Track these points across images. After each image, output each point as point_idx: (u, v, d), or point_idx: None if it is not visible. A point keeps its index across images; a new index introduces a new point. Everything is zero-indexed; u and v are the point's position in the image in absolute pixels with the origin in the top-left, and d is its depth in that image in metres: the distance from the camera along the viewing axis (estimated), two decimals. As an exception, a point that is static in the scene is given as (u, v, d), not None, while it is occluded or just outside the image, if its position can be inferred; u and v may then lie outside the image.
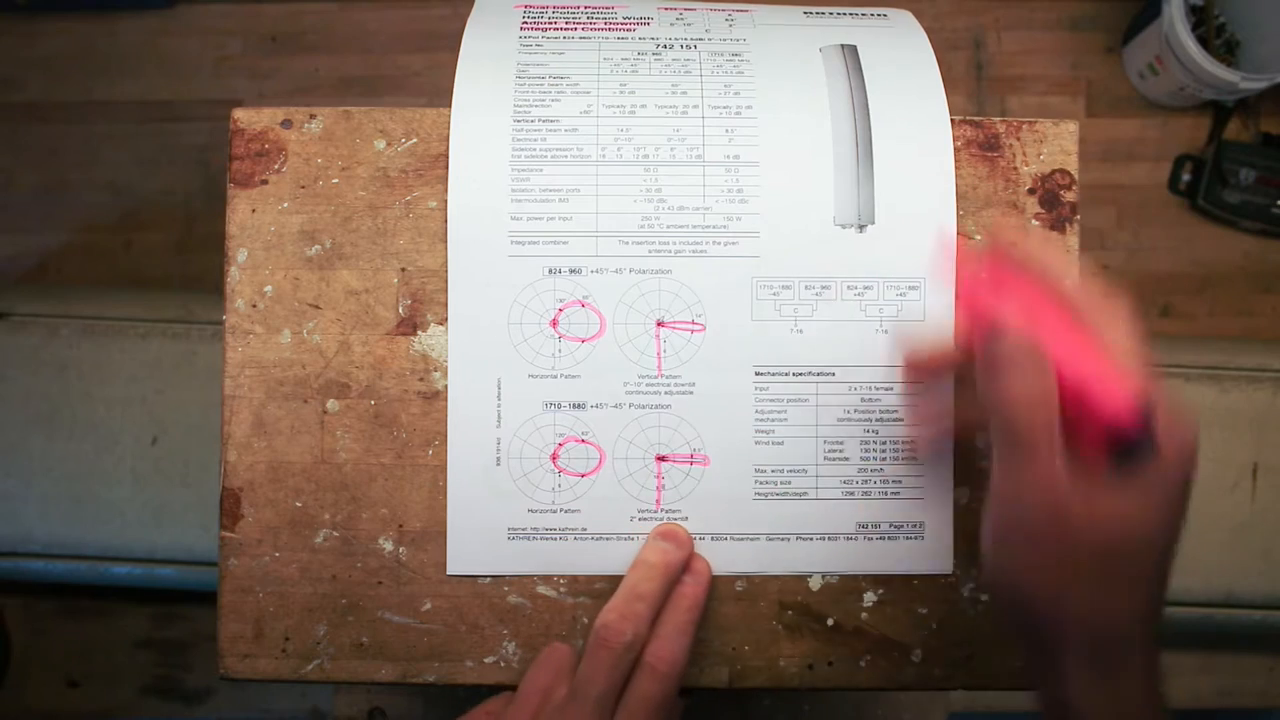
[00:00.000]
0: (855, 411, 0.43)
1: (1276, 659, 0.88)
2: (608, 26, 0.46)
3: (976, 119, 0.44)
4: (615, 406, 0.42)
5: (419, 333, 0.43)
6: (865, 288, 0.42)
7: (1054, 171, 0.44)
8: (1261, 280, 1.17)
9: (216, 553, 0.43)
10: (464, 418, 0.42)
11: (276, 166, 0.43)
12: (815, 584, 0.43)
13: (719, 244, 0.42)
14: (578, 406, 0.42)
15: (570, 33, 0.45)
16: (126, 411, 0.80)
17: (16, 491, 0.79)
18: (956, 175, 0.43)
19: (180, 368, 0.80)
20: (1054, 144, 0.44)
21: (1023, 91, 1.19)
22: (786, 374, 0.42)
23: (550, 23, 0.46)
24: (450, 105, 0.43)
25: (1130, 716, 0.34)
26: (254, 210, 0.43)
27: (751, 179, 0.42)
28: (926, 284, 0.42)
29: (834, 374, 0.42)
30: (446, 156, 0.43)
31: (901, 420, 0.43)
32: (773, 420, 0.42)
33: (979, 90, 1.18)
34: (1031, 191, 0.44)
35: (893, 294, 0.42)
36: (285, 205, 0.43)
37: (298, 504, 0.43)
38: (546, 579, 0.43)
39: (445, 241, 0.43)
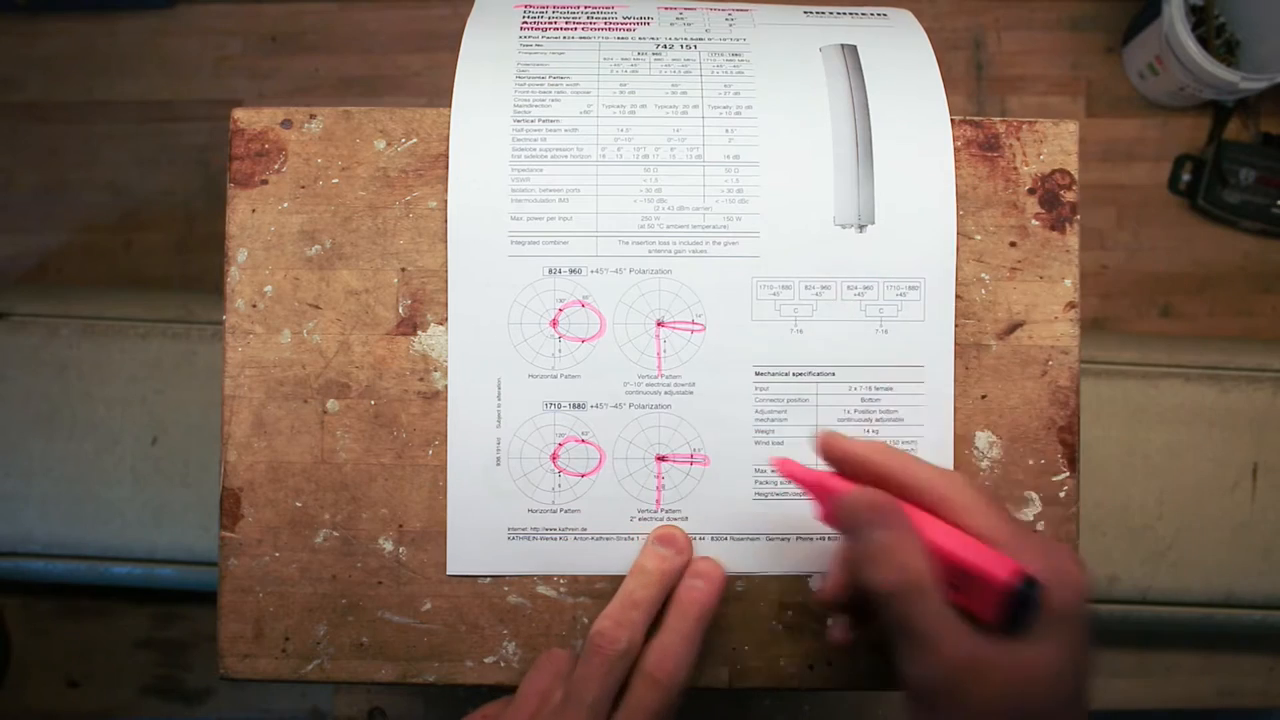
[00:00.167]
0: (855, 411, 0.43)
1: (1276, 659, 0.88)
2: (608, 26, 0.46)
3: (976, 119, 0.44)
4: (615, 406, 0.42)
5: (419, 333, 0.43)
6: (865, 288, 0.42)
7: (1054, 171, 0.44)
8: (1261, 280, 1.17)
9: (216, 553, 0.43)
10: (464, 418, 0.42)
11: (276, 166, 0.43)
12: (815, 584, 0.43)
13: (719, 244, 0.42)
14: (578, 406, 0.42)
15: (570, 33, 0.45)
16: (126, 411, 0.80)
17: (16, 491, 0.79)
18: (956, 175, 0.43)
19: (180, 368, 0.80)
20: (1054, 144, 0.44)
21: (1023, 91, 1.19)
22: (786, 374, 0.42)
23: (550, 23, 0.46)
24: (450, 105, 0.43)
25: None
26: (254, 210, 0.43)
27: (751, 179, 0.42)
28: (927, 284, 0.42)
29: (834, 374, 0.42)
30: (446, 156, 0.43)
31: (902, 420, 0.43)
32: (773, 420, 0.42)
33: (979, 90, 1.19)
34: (1031, 191, 0.44)
35: (893, 294, 0.42)
36: (285, 205, 0.43)
37: (298, 504, 0.43)
38: (546, 579, 0.43)
39: (445, 241, 0.43)
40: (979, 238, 0.43)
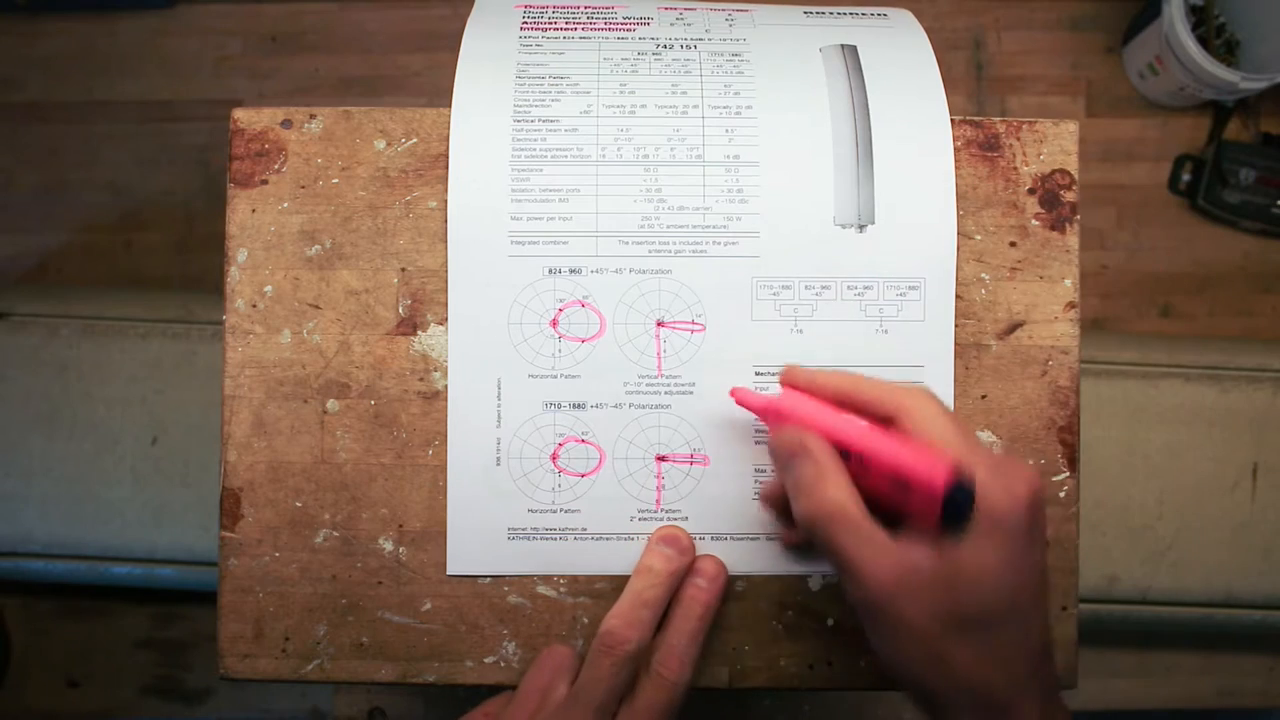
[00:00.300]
0: (855, 411, 0.42)
1: (1276, 659, 0.88)
2: (608, 26, 0.46)
3: (976, 119, 0.44)
4: (615, 406, 0.42)
5: (419, 333, 0.43)
6: (865, 288, 0.42)
7: (1054, 171, 0.44)
8: (1261, 280, 1.17)
9: (216, 553, 0.43)
10: (464, 418, 0.42)
11: (276, 166, 0.43)
12: (815, 584, 0.43)
13: (719, 244, 0.42)
14: (578, 406, 0.42)
15: (570, 33, 0.45)
16: (126, 411, 0.80)
17: (16, 491, 0.79)
18: (956, 175, 0.43)
19: (180, 368, 0.80)
20: (1054, 144, 0.44)
21: (1023, 91, 1.19)
22: (786, 374, 0.42)
23: (550, 23, 0.46)
24: (450, 105, 0.43)
25: None
26: (254, 210, 0.43)
27: (751, 179, 0.42)
28: (927, 284, 0.42)
29: (834, 374, 0.42)
30: (446, 156, 0.43)
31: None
32: (773, 420, 0.42)
33: (979, 90, 1.19)
34: (1031, 191, 0.44)
35: (893, 294, 0.42)
36: (285, 205, 0.43)
37: (298, 504, 0.43)
38: (546, 579, 0.43)
39: (445, 241, 0.43)
40: (979, 238, 0.43)
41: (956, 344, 0.43)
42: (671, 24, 0.46)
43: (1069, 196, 0.44)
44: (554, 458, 0.42)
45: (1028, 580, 0.34)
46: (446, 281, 0.43)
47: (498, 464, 0.42)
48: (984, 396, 0.43)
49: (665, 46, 0.45)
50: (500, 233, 0.42)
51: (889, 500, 0.36)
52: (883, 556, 0.34)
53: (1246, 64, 1.11)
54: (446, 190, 0.42)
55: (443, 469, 0.43)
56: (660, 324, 0.42)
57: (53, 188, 1.19)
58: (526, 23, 0.46)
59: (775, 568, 0.43)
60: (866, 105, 0.43)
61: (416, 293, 0.43)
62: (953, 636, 0.34)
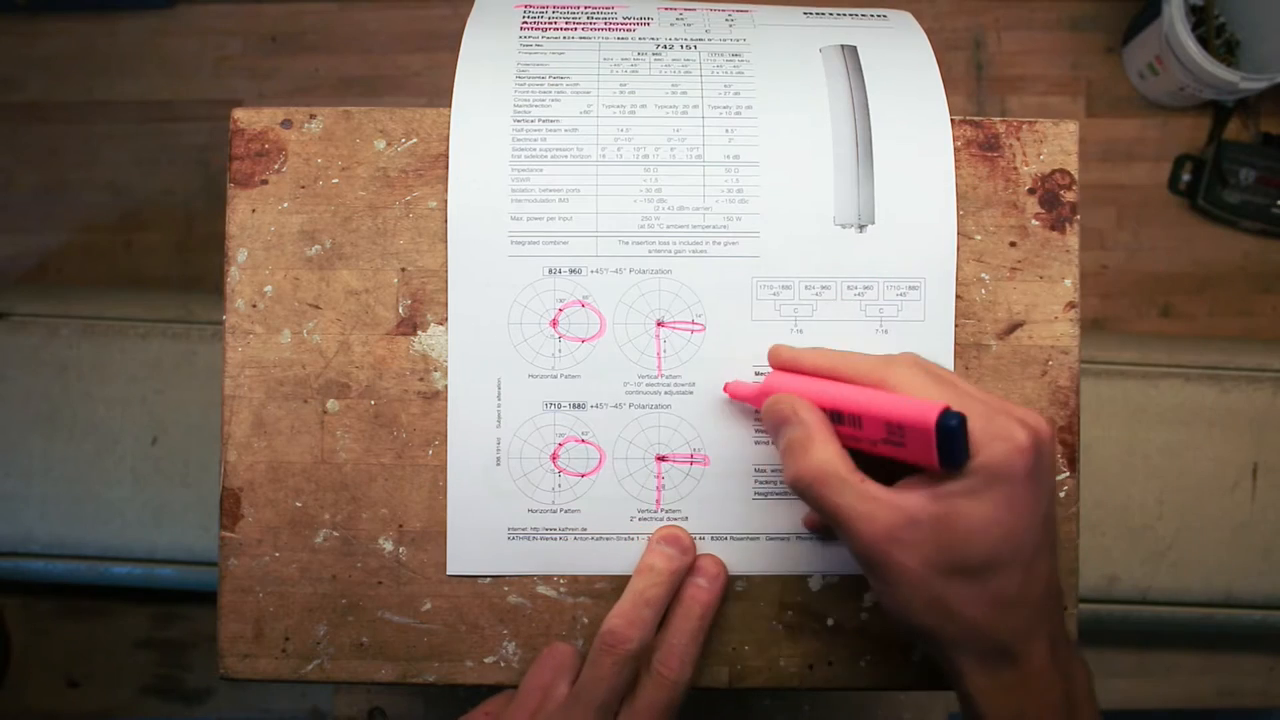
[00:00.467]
0: (855, 411, 0.42)
1: (1276, 659, 0.88)
2: (608, 26, 0.46)
3: (976, 119, 0.44)
4: (615, 406, 0.42)
5: (419, 333, 0.43)
6: (865, 288, 0.42)
7: (1054, 171, 0.44)
8: (1261, 280, 1.17)
9: (216, 553, 0.43)
10: (464, 418, 0.42)
11: (276, 166, 0.43)
12: (815, 584, 0.43)
13: (719, 244, 0.42)
14: (578, 406, 0.42)
15: (570, 33, 0.45)
16: (126, 411, 0.80)
17: (16, 491, 0.79)
18: (956, 175, 0.43)
19: (180, 368, 0.80)
20: (1054, 144, 0.44)
21: (1023, 91, 1.19)
22: (786, 374, 0.42)
23: (550, 23, 0.46)
24: (450, 105, 0.43)
25: (1032, 705, 0.35)
26: (254, 210, 0.43)
27: (751, 179, 0.42)
28: (927, 284, 0.42)
29: (834, 374, 0.42)
30: (446, 156, 0.43)
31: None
32: (773, 420, 0.42)
33: (979, 90, 1.19)
34: (1031, 191, 0.44)
35: (893, 294, 0.42)
36: (285, 205, 0.43)
37: (298, 504, 0.43)
38: (546, 579, 0.43)
39: (445, 241, 0.43)
40: (979, 238, 0.43)
41: (956, 344, 0.43)
42: (671, 24, 0.46)
43: (1069, 196, 0.44)
44: (554, 458, 0.42)
45: (1029, 525, 0.34)
46: (446, 281, 0.43)
47: (498, 464, 0.42)
48: (984, 396, 0.43)
49: (665, 47, 0.45)
50: (500, 233, 0.42)
51: (888, 455, 0.36)
52: (874, 507, 0.34)
53: (1246, 64, 1.11)
54: (446, 190, 0.42)
55: (443, 469, 0.43)
56: (660, 324, 0.42)
57: (53, 188, 1.19)
58: (526, 23, 0.46)
59: (775, 568, 0.43)
60: (866, 105, 0.43)
61: (416, 293, 0.43)
62: (951, 582, 0.34)
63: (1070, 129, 0.44)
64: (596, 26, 0.46)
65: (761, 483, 0.43)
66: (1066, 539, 0.43)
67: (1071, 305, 0.43)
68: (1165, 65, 1.08)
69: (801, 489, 0.36)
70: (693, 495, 0.43)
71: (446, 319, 0.43)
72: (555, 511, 0.43)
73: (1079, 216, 0.44)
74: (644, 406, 0.42)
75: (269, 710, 0.92)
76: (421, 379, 0.43)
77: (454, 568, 0.43)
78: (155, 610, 0.92)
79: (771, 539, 0.43)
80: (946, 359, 0.43)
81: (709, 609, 0.41)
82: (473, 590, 0.43)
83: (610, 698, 0.38)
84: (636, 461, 0.42)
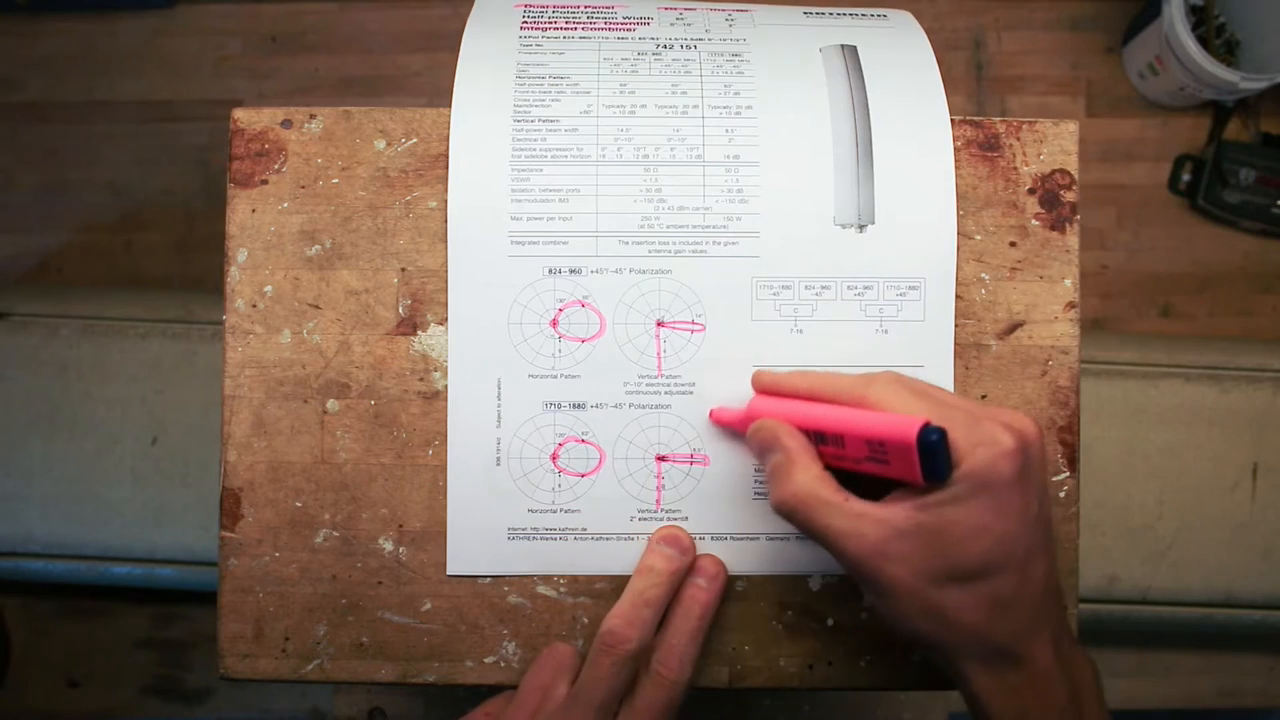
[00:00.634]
0: (855, 411, 0.42)
1: (1276, 659, 0.88)
2: (608, 26, 0.46)
3: (976, 119, 0.44)
4: (615, 406, 0.42)
5: (419, 333, 0.43)
6: (865, 288, 0.42)
7: (1054, 171, 0.44)
8: (1261, 280, 1.17)
9: (216, 553, 0.43)
10: (464, 418, 0.42)
11: (276, 166, 0.43)
12: (815, 584, 0.43)
13: (719, 244, 0.42)
14: (578, 406, 0.42)
15: (570, 33, 0.45)
16: (126, 411, 0.80)
17: (16, 491, 0.79)
18: (956, 175, 0.43)
19: (180, 368, 0.80)
20: (1054, 144, 0.44)
21: (1023, 91, 1.19)
22: (786, 374, 0.42)
23: (550, 22, 0.46)
24: (450, 105, 0.43)
25: (1037, 705, 0.36)
26: (254, 210, 0.43)
27: (751, 179, 0.42)
28: (926, 284, 0.42)
29: (834, 374, 0.42)
30: (446, 156, 0.43)
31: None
32: (773, 420, 0.42)
33: (979, 90, 1.19)
34: (1031, 191, 0.44)
35: (893, 294, 0.42)
36: (285, 205, 0.43)
37: (298, 504, 0.43)
38: (546, 579, 0.43)
39: (445, 241, 0.43)
40: (979, 238, 0.43)
41: (956, 344, 0.43)
42: (671, 24, 0.46)
43: (1069, 196, 0.44)
44: (554, 458, 0.42)
45: (1020, 528, 0.34)
46: (446, 281, 0.43)
47: (498, 464, 0.42)
48: (984, 396, 0.43)
49: (665, 46, 0.45)
50: (500, 233, 0.42)
51: (874, 473, 0.36)
52: (861, 524, 0.35)
53: (1246, 64, 1.11)
54: (446, 190, 0.42)
55: (443, 469, 0.43)
56: (660, 324, 0.42)
57: (53, 188, 1.19)
58: (526, 22, 0.46)
59: (775, 568, 0.43)
60: (866, 105, 0.43)
61: (416, 293, 0.43)
62: (945, 590, 0.34)
63: (1070, 129, 0.44)
64: (596, 26, 0.46)
65: (761, 483, 0.43)
66: (1066, 539, 0.43)
67: (1071, 305, 0.43)
68: (1165, 65, 1.08)
69: (787, 513, 0.37)
70: (693, 495, 0.43)
71: (446, 319, 0.43)
72: (555, 511, 0.43)
73: (1079, 216, 0.44)
74: (644, 406, 0.42)
75: (269, 710, 0.92)
76: (421, 379, 0.43)
77: (454, 568, 0.43)
78: (155, 610, 0.92)
79: (771, 539, 0.43)
80: (946, 359, 0.43)
81: (708, 609, 0.41)
82: (473, 590, 0.43)
83: (609, 698, 0.38)
84: (636, 461, 0.42)
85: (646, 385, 0.42)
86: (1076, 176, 0.44)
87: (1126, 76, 1.18)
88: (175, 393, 0.80)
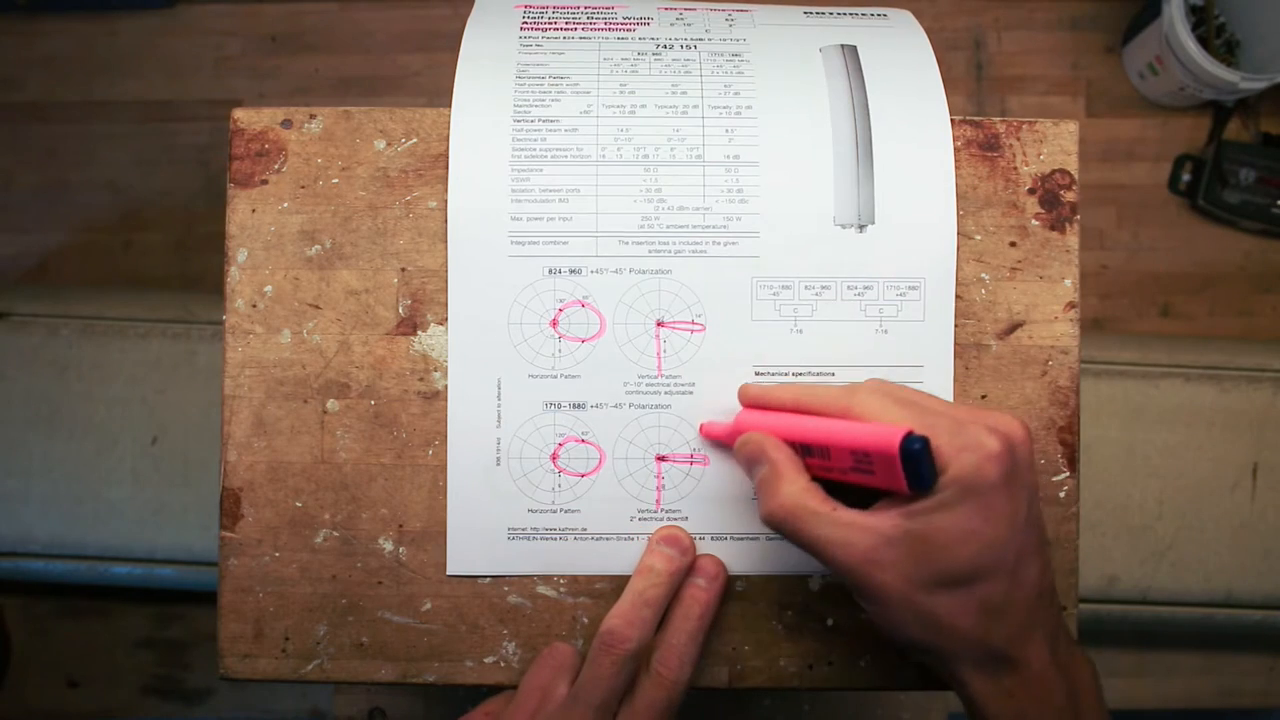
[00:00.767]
0: (855, 411, 0.42)
1: (1276, 659, 0.88)
2: (608, 26, 0.46)
3: (976, 119, 0.44)
4: (615, 406, 0.42)
5: (419, 333, 0.43)
6: (865, 288, 0.42)
7: (1054, 171, 0.44)
8: (1261, 280, 1.17)
9: (216, 553, 0.43)
10: (464, 418, 0.42)
11: (276, 166, 0.43)
12: (815, 584, 0.43)
13: (719, 244, 0.42)
14: (578, 406, 0.42)
15: (570, 33, 0.45)
16: (126, 411, 0.80)
17: (16, 491, 0.79)
18: (956, 175, 0.43)
19: (180, 368, 0.80)
20: (1054, 144, 0.44)
21: (1023, 91, 1.19)
22: (786, 374, 0.42)
23: (550, 23, 0.46)
24: (450, 105, 0.43)
25: (1034, 707, 0.36)
26: (254, 210, 0.43)
27: (751, 179, 0.42)
28: (926, 284, 0.42)
29: (834, 374, 0.42)
30: (446, 156, 0.43)
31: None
32: (773, 420, 0.42)
33: (979, 90, 1.19)
34: (1031, 191, 0.44)
35: (892, 294, 0.42)
36: (285, 205, 0.43)
37: (298, 504, 0.43)
38: (546, 579, 0.43)
39: (445, 241, 0.43)
40: (979, 238, 0.43)
41: (956, 344, 0.43)
42: (671, 24, 0.46)
43: (1069, 196, 0.44)
44: (554, 458, 0.42)
45: (1009, 531, 0.34)
46: (446, 281, 0.43)
47: (498, 464, 0.42)
48: (984, 396, 0.43)
49: (665, 46, 0.45)
50: (500, 233, 0.42)
51: (860, 483, 0.36)
52: (848, 533, 0.35)
53: (1246, 64, 1.11)
54: (446, 190, 0.42)
55: (443, 469, 0.43)
56: (660, 324, 0.42)
57: (53, 188, 1.19)
58: (526, 23, 0.46)
59: (775, 568, 0.43)
60: (866, 105, 0.43)
61: (416, 293, 0.43)
62: (936, 596, 0.34)
63: (1070, 129, 0.44)
64: (596, 26, 0.46)
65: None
66: (1066, 539, 0.43)
67: (1071, 305, 0.43)
68: (1165, 65, 1.08)
69: (775, 525, 0.37)
70: (693, 495, 0.43)
71: (446, 319, 0.43)
72: (555, 511, 0.43)
73: (1079, 216, 0.44)
74: (644, 406, 0.42)
75: (269, 710, 0.92)
76: (421, 379, 0.43)
77: (454, 568, 0.43)
78: (155, 610, 0.92)
79: (771, 539, 0.43)
80: (946, 359, 0.43)
81: (708, 609, 0.41)
82: (473, 590, 0.43)
83: (609, 697, 0.38)
84: (636, 461, 0.42)
85: (646, 385, 0.42)
86: (1076, 176, 0.44)
87: (1126, 76, 1.18)
88: (175, 393, 0.80)
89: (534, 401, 0.42)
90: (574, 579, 0.43)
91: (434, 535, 0.43)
